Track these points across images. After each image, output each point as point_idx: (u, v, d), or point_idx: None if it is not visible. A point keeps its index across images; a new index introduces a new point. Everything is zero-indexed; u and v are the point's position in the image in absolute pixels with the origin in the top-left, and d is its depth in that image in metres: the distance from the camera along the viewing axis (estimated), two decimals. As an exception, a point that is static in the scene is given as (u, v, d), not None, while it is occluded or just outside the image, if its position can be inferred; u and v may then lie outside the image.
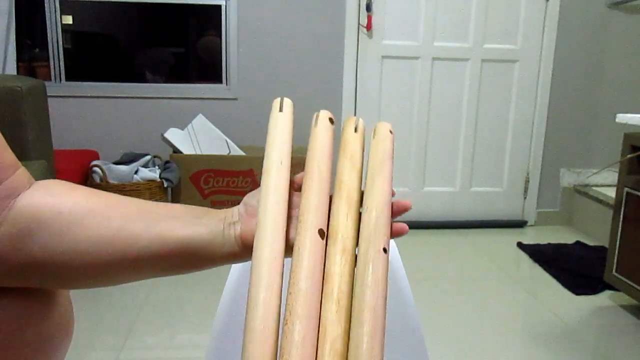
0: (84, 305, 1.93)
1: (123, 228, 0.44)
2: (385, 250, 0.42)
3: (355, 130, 0.51)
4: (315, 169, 0.46)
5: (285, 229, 0.44)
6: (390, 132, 0.51)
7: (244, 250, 0.46)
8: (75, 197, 0.45)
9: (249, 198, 0.49)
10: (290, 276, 0.40)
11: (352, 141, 0.49)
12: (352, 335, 0.37)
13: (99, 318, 1.84)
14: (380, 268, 0.40)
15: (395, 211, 0.46)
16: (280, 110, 0.50)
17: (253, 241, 0.44)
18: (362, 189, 0.47)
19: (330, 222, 0.44)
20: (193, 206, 0.49)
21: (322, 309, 0.39)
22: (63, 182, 0.47)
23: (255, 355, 0.36)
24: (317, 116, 0.51)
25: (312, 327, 0.37)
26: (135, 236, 0.45)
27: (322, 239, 0.42)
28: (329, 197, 0.45)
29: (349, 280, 0.40)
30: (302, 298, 0.38)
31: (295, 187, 0.48)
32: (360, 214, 0.45)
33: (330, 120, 0.51)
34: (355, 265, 0.42)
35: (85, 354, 1.61)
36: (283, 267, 0.41)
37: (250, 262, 0.45)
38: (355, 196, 0.45)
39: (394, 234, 0.45)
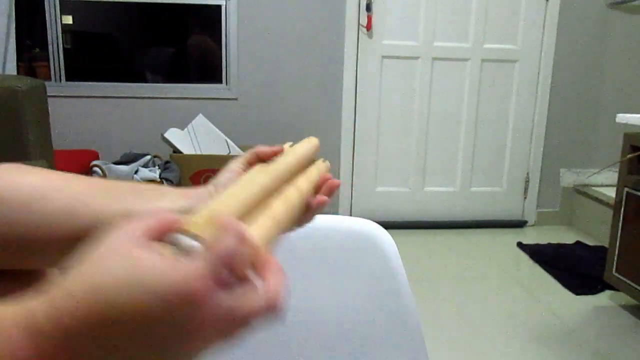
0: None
1: (85, 202, 0.45)
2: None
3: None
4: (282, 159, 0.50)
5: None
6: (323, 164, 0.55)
7: None
8: (36, 175, 0.46)
9: (218, 178, 0.52)
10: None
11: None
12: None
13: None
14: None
15: (326, 193, 0.50)
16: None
17: None
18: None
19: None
20: (159, 185, 0.51)
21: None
22: (24, 165, 0.48)
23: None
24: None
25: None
26: (98, 211, 0.45)
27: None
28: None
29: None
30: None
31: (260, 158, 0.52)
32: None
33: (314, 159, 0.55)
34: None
35: (85, 354, 1.61)
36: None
37: None
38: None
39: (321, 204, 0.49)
